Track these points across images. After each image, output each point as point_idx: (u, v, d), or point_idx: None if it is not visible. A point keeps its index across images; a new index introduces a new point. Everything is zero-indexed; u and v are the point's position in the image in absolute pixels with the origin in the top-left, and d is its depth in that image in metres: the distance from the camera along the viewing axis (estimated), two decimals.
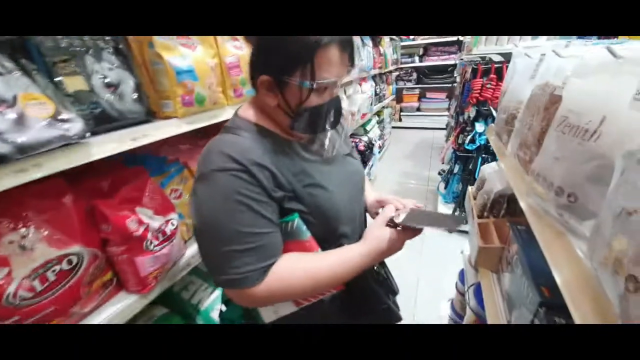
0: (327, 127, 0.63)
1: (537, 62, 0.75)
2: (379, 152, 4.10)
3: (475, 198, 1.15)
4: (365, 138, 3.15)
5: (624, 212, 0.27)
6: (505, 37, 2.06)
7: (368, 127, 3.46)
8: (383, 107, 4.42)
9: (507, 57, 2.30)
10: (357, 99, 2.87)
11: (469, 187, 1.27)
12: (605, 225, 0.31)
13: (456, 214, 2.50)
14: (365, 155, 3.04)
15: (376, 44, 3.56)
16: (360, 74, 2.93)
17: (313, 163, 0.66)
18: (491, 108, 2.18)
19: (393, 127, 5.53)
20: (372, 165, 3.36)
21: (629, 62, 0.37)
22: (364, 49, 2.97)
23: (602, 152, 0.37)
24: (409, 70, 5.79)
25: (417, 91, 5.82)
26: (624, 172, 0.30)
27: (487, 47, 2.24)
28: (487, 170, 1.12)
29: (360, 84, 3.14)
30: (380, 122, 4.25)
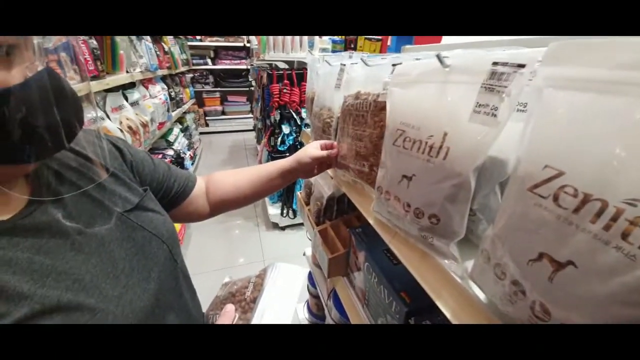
0: (46, 143, 0.31)
1: (339, 71, 0.76)
2: (192, 164, 3.61)
3: (307, 204, 1.15)
4: (170, 152, 2.61)
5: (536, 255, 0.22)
6: (290, 46, 2.26)
7: (171, 138, 2.90)
8: (184, 113, 3.89)
9: (291, 64, 2.56)
10: (146, 106, 2.28)
11: (298, 193, 1.26)
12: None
13: (284, 212, 2.61)
14: None
15: (157, 40, 2.99)
16: (145, 73, 2.35)
17: (34, 251, 0.33)
18: (291, 111, 2.37)
19: (201, 133, 5.08)
20: None
21: (456, 71, 0.36)
22: (140, 42, 2.39)
23: (455, 170, 0.34)
24: (204, 73, 5.46)
25: (217, 94, 5.62)
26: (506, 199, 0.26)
27: (276, 53, 2.38)
28: None
29: (146, 87, 2.53)
30: (185, 130, 3.72)
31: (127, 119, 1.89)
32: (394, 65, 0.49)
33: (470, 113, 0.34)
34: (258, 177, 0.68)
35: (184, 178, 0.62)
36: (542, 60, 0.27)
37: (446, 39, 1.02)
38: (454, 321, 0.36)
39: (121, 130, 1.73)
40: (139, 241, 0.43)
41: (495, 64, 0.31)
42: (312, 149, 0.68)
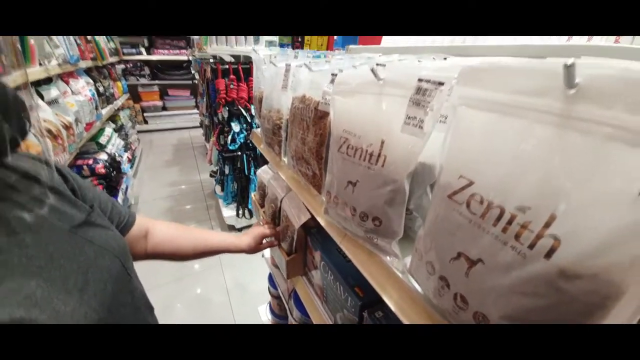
0: None
1: (285, 71, 0.76)
2: (131, 166, 3.27)
3: (262, 206, 1.13)
4: (103, 156, 2.33)
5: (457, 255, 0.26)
6: (234, 39, 2.16)
7: (102, 140, 2.59)
8: (117, 110, 3.49)
9: (237, 57, 2.45)
10: (68, 104, 2.00)
11: (252, 194, 1.24)
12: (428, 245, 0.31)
13: (240, 212, 2.53)
14: (112, 178, 2.27)
15: None
16: (63, 66, 2.04)
17: None
18: (240, 107, 2.29)
19: (139, 132, 4.63)
20: (127, 188, 2.61)
21: (389, 84, 0.38)
22: None
23: (392, 176, 0.37)
24: (138, 64, 4.93)
25: (156, 88, 5.13)
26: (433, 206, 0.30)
27: (219, 46, 2.25)
28: (264, 176, 1.11)
29: (67, 82, 2.21)
30: (119, 129, 3.34)
31: (44, 121, 1.63)
32: (333, 74, 0.51)
33: (401, 124, 0.37)
34: (203, 245, 0.75)
35: (124, 214, 0.63)
36: (456, 80, 0.30)
37: (385, 42, 1.07)
38: (397, 312, 0.40)
39: (35, 136, 1.48)
40: (90, 255, 0.43)
41: (420, 80, 0.35)
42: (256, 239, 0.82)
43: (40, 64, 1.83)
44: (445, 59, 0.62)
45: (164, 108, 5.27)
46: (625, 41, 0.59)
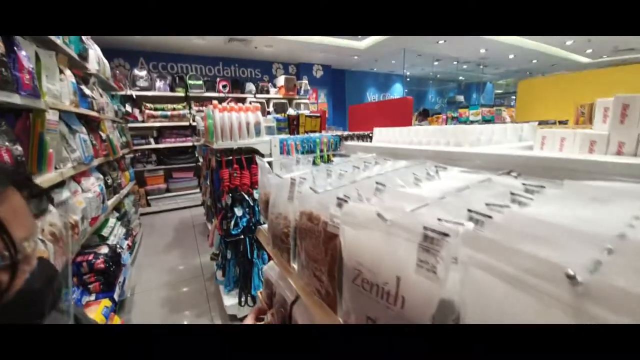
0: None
1: (290, 185, 0.81)
2: (131, 253, 3.20)
3: (269, 307, 1.08)
4: (104, 249, 2.30)
5: None
6: (238, 134, 2.37)
7: (105, 232, 2.59)
8: (123, 198, 3.59)
9: (240, 149, 2.65)
10: (77, 203, 2.06)
11: (258, 293, 1.19)
12: None
13: (242, 300, 2.38)
14: (111, 274, 2.20)
15: (93, 129, 2.88)
16: (77, 167, 2.18)
17: None
18: (242, 193, 2.37)
19: (142, 215, 4.67)
20: (124, 280, 2.50)
21: (396, 226, 0.41)
22: (73, 136, 2.27)
23: (414, 320, 0.37)
24: (146, 152, 5.29)
25: (161, 172, 5.39)
26: None
27: (224, 142, 2.45)
28: (271, 273, 1.09)
29: (78, 181, 2.32)
30: (122, 217, 3.38)
31: (50, 224, 1.66)
32: (339, 199, 0.55)
33: (415, 265, 0.38)
34: None
35: None
36: (461, 239, 0.33)
37: (375, 141, 1.19)
38: None
39: (42, 241, 1.50)
40: None
41: (425, 228, 0.38)
42: None
43: (56, 168, 1.95)
44: (437, 171, 0.68)
45: (167, 190, 5.44)
46: (600, 151, 0.67)
